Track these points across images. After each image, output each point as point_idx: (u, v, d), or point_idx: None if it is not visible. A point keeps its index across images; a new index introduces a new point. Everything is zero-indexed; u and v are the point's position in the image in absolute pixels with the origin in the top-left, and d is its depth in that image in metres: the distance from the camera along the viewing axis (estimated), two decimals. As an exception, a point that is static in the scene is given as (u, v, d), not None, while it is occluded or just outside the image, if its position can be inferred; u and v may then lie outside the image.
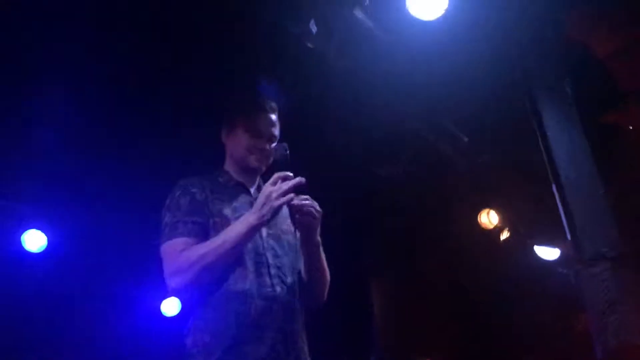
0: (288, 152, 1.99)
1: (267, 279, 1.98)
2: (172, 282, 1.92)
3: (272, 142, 2.21)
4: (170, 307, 5.42)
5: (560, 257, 5.04)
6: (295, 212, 1.94)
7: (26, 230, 4.46)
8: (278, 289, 1.98)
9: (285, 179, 1.85)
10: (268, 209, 1.83)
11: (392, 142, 3.97)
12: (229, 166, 2.27)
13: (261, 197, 1.86)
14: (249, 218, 1.87)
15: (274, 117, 2.23)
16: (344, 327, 5.38)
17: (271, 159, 2.21)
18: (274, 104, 2.27)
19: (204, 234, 1.98)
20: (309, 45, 3.14)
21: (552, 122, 3.17)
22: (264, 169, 2.24)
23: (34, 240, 4.49)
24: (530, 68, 3.34)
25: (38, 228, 4.50)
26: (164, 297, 5.40)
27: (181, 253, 1.91)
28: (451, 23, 3.16)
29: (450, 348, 6.21)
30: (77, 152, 4.05)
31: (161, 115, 3.79)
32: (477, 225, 5.29)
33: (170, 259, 1.93)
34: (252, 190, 2.23)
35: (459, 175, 4.24)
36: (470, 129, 3.85)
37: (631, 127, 3.99)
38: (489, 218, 5.40)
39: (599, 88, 3.58)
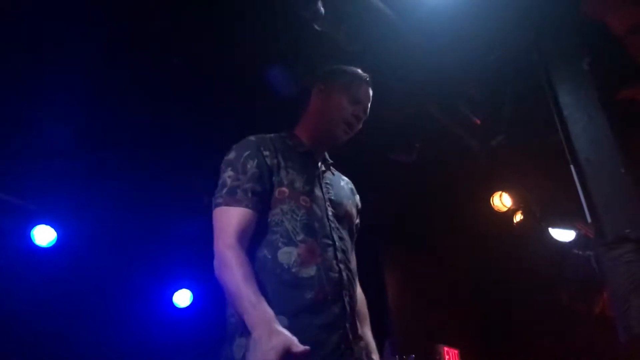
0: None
1: (334, 264, 1.83)
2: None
3: (364, 117, 2.06)
4: (182, 298, 5.40)
5: (575, 239, 4.98)
6: None
7: (36, 225, 4.45)
8: (344, 275, 1.84)
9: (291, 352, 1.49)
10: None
11: (405, 127, 3.90)
12: (302, 130, 2.08)
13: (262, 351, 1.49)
14: (253, 319, 1.55)
15: (371, 92, 2.09)
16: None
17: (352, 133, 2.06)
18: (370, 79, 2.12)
19: (262, 205, 1.81)
20: (317, 27, 3.04)
21: (570, 100, 3.07)
22: (343, 141, 2.06)
23: (44, 236, 4.49)
24: (546, 46, 3.24)
25: (47, 223, 4.50)
26: (176, 289, 5.38)
27: (226, 247, 1.70)
28: (464, 1, 3.08)
29: (466, 332, 6.18)
30: (85, 148, 4.03)
31: (170, 110, 3.74)
32: (492, 208, 5.23)
33: (218, 232, 1.75)
34: (319, 163, 2.05)
35: (473, 158, 4.17)
36: (485, 111, 3.77)
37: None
38: (501, 201, 5.33)
39: (616, 65, 3.49)
